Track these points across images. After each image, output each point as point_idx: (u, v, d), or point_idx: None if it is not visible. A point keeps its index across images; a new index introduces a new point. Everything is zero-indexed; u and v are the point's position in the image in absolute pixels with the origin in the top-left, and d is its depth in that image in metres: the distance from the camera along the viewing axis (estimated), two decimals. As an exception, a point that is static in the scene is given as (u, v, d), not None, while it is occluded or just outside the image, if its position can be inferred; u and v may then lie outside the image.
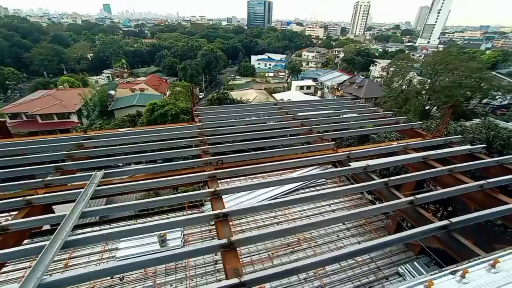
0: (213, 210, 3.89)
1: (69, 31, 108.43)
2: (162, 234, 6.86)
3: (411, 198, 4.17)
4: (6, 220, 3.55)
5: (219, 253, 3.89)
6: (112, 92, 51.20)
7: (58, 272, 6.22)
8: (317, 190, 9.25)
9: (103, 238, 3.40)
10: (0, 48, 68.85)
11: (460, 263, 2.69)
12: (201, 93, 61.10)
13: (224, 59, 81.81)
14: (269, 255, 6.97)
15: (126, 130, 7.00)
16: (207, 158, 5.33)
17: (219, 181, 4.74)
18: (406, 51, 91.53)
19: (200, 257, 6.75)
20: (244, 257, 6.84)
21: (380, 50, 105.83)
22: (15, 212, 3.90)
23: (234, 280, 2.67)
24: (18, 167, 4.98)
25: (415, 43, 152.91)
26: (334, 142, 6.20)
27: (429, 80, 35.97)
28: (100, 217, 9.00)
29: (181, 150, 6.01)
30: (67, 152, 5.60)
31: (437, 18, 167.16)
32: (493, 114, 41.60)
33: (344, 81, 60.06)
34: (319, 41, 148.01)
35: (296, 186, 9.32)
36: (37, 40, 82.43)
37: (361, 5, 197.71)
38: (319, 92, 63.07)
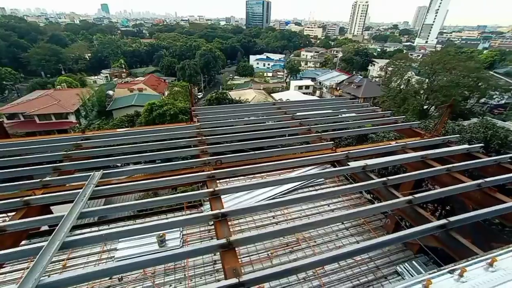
0: (212, 210, 3.88)
1: (66, 31, 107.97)
2: (161, 235, 6.85)
3: (410, 197, 4.18)
4: (3, 221, 3.53)
5: (218, 253, 3.89)
6: (111, 92, 51.05)
7: (56, 273, 6.19)
8: (316, 190, 9.25)
9: (101, 238, 3.39)
10: (-3, 48, 68.49)
11: (458, 262, 2.71)
12: (199, 93, 61.01)
13: (223, 59, 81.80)
14: (268, 255, 6.97)
15: (125, 130, 6.97)
16: (205, 158, 5.32)
17: (218, 181, 4.74)
18: (404, 51, 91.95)
19: (199, 257, 6.74)
20: (243, 257, 6.83)
21: (379, 49, 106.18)
22: (13, 213, 3.88)
23: (233, 280, 2.67)
24: (15, 168, 4.95)
25: (413, 42, 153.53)
26: (332, 142, 6.21)
27: (427, 80, 36.13)
28: (99, 218, 8.97)
29: (180, 150, 6.00)
30: (65, 152, 5.57)
31: (435, 18, 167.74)
32: (491, 113, 41.83)
33: (343, 80, 60.18)
34: (318, 41, 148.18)
35: (295, 186, 9.32)
36: (35, 40, 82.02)
37: (359, 5, 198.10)
38: (317, 92, 63.18)
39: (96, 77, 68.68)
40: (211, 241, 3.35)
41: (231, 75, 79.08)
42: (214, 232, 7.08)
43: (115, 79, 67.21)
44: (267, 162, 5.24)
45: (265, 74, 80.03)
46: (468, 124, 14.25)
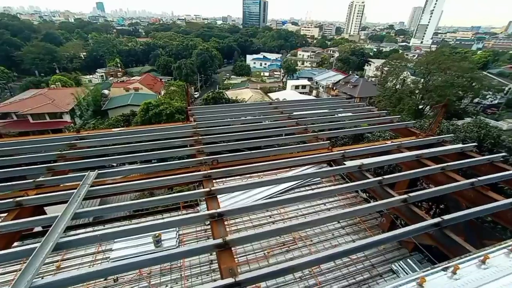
0: (208, 210, 3.87)
1: (61, 29, 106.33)
2: (157, 235, 6.81)
3: (405, 196, 4.22)
4: (-5, 222, 3.47)
5: (215, 253, 3.88)
6: (106, 91, 50.55)
7: (50, 275, 6.12)
8: (312, 189, 9.29)
9: (96, 239, 3.35)
10: (-10, 47, 67.32)
11: (451, 260, 2.74)
12: (196, 93, 60.79)
13: (220, 58, 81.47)
14: (264, 254, 6.98)
15: (120, 130, 6.91)
16: (202, 158, 5.30)
17: (214, 181, 4.72)
18: (400, 51, 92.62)
19: (196, 257, 6.73)
20: (240, 257, 6.84)
21: (375, 49, 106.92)
22: (5, 214, 3.81)
23: (229, 280, 2.67)
24: (8, 168, 4.87)
25: (408, 43, 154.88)
26: (329, 141, 6.24)
27: (422, 80, 36.52)
28: (94, 218, 8.88)
29: (176, 150, 5.97)
30: (59, 152, 5.50)
31: (430, 19, 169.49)
32: (484, 113, 42.50)
33: (339, 80, 60.47)
34: (314, 41, 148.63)
35: (292, 185, 9.35)
36: (28, 39, 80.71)
37: (355, 5, 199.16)
38: (314, 92, 63.38)
39: (91, 76, 67.88)
40: (207, 241, 3.34)
41: (227, 74, 78.90)
42: (210, 232, 7.07)
43: (111, 78, 66.50)
44: (264, 162, 5.24)
45: (262, 74, 79.98)
46: (462, 124, 14.44)
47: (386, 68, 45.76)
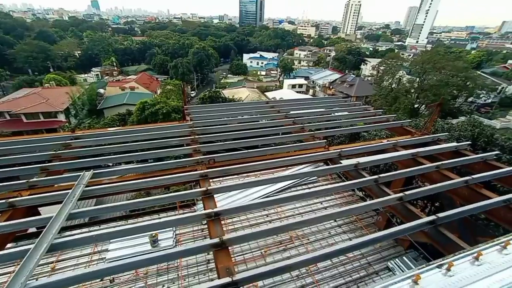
0: (204, 209, 3.86)
1: (55, 27, 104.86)
2: (153, 234, 6.78)
3: (400, 194, 4.26)
4: (-12, 223, 3.41)
5: (211, 252, 3.87)
6: (102, 90, 50.03)
7: (44, 276, 6.06)
8: (309, 188, 9.33)
9: (92, 239, 3.32)
10: (-19, 45, 66.11)
11: (446, 257, 2.77)
12: (192, 92, 60.45)
13: (216, 57, 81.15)
14: (261, 253, 7.00)
15: (116, 129, 6.85)
16: (198, 157, 5.29)
17: (210, 180, 4.71)
18: (396, 50, 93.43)
19: (193, 256, 6.72)
20: (237, 256, 6.84)
21: (371, 49, 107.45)
22: (-2, 215, 3.76)
23: (226, 279, 2.67)
24: (0, 168, 4.80)
25: (404, 42, 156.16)
26: (325, 140, 6.26)
27: (417, 79, 36.85)
28: (90, 218, 8.81)
29: (172, 149, 5.94)
30: (53, 152, 5.44)
31: (425, 18, 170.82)
32: (478, 112, 43.09)
33: (336, 79, 60.67)
34: (311, 40, 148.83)
35: (288, 184, 9.37)
36: (21, 37, 79.42)
37: (352, 5, 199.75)
38: (311, 91, 63.51)
39: (86, 75, 67.06)
40: (204, 241, 3.33)
41: (224, 73, 78.61)
42: (207, 231, 7.07)
43: (106, 77, 65.79)
44: (260, 161, 5.24)
45: (258, 73, 79.80)
46: (457, 123, 14.61)
47: (382, 68, 46.09)
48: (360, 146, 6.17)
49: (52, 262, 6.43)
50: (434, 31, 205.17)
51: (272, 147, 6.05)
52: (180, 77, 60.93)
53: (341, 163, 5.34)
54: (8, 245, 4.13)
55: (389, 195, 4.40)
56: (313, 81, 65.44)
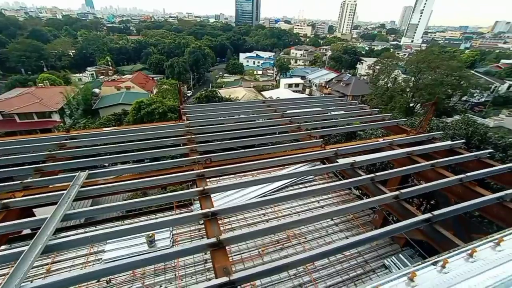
0: (201, 209, 3.86)
1: (48, 26, 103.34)
2: (150, 235, 6.74)
3: (396, 192, 4.30)
4: (-19, 225, 3.36)
5: (209, 252, 3.87)
6: (97, 90, 49.53)
7: (39, 278, 5.98)
8: (306, 187, 9.36)
9: (87, 240, 3.29)
10: (-27, 43, 64.90)
11: (441, 254, 2.81)
12: (189, 91, 60.17)
13: (212, 56, 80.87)
14: (259, 252, 7.00)
15: (112, 129, 6.80)
16: (195, 157, 5.27)
17: (207, 180, 4.70)
18: (391, 50, 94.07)
19: (190, 256, 6.69)
20: (234, 255, 6.84)
21: (366, 48, 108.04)
22: (-9, 217, 3.70)
23: (223, 279, 2.67)
24: (-6, 169, 4.72)
25: (399, 42, 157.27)
26: (322, 139, 6.29)
27: (413, 78, 37.20)
28: (86, 219, 8.71)
29: (169, 149, 5.91)
30: (48, 152, 5.37)
31: (420, 18, 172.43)
32: (472, 111, 43.64)
33: (332, 79, 60.92)
34: (307, 39, 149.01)
35: (285, 183, 9.38)
36: (13, 35, 78.16)
37: (347, 4, 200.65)
38: (307, 90, 63.64)
39: (81, 74, 66.31)
40: (201, 241, 3.33)
41: (220, 73, 78.36)
42: (204, 231, 7.05)
43: (102, 76, 65.10)
44: (257, 160, 5.24)
45: (255, 72, 79.66)
46: (451, 121, 14.76)
47: (377, 67, 46.42)
48: (357, 145, 6.21)
49: (47, 264, 6.35)
50: (429, 30, 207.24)
51: (268, 146, 6.05)
52: (176, 76, 60.58)
53: (337, 162, 5.37)
54: (2, 247, 4.07)
55: (385, 193, 4.44)
56: (309, 81, 65.61)
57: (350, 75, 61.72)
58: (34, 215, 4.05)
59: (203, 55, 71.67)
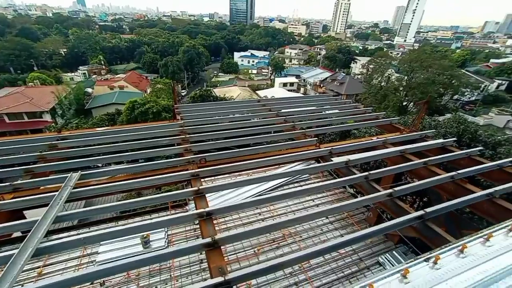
0: (196, 209, 3.84)
1: (38, 24, 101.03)
2: (145, 235, 6.68)
3: (390, 190, 4.35)
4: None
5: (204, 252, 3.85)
6: (89, 89, 48.78)
7: (31, 282, 5.86)
8: (301, 186, 9.40)
9: (80, 242, 3.24)
10: (-41, 42, 63.04)
11: (433, 251, 2.86)
12: (183, 91, 59.77)
13: (207, 55, 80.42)
14: (254, 251, 7.01)
15: (105, 129, 6.71)
16: (189, 157, 5.24)
17: (202, 180, 4.68)
18: (385, 49, 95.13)
19: (185, 257, 6.66)
20: (230, 255, 6.83)
21: (360, 47, 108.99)
22: (-20, 220, 3.61)
23: (219, 279, 2.66)
24: (-18, 171, 4.61)
25: (393, 41, 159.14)
26: (316, 138, 6.32)
27: (406, 77, 37.70)
28: (79, 221, 8.59)
29: (163, 149, 5.86)
30: (39, 153, 5.27)
31: (412, 18, 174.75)
32: (463, 109, 44.45)
33: (326, 78, 61.29)
34: (302, 38, 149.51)
35: (281, 182, 9.41)
36: (2, 33, 76.24)
37: (341, 3, 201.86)
38: (302, 89, 63.91)
39: (73, 74, 65.10)
40: (196, 241, 3.31)
41: (215, 72, 78.03)
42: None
43: (94, 76, 64.06)
44: (252, 160, 5.24)
45: (249, 71, 79.57)
46: (443, 120, 15.03)
47: (371, 66, 46.84)
48: (351, 144, 6.26)
49: (38, 267, 6.23)
50: (421, 30, 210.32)
51: (263, 145, 6.05)
52: (170, 75, 60.10)
53: (332, 160, 5.41)
54: (-9, 251, 3.97)
55: (379, 191, 4.49)
56: (304, 80, 65.87)
57: (344, 74, 62.15)
58: (25, 218, 3.97)
59: (197, 54, 71.22)
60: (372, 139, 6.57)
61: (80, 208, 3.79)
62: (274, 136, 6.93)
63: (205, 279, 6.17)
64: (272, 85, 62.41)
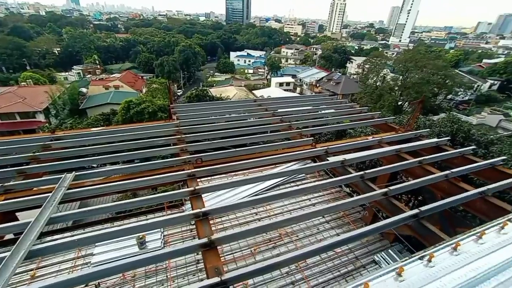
0: (192, 209, 3.82)
1: (31, 22, 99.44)
2: (141, 236, 6.63)
3: (385, 189, 4.39)
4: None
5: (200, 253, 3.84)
6: (84, 89, 48.17)
7: (24, 285, 5.76)
8: (297, 185, 9.43)
9: (74, 244, 3.21)
10: (-51, 41, 61.68)
11: (427, 249, 2.90)
12: (179, 90, 59.41)
13: (203, 55, 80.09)
14: (251, 251, 7.01)
15: (100, 130, 6.63)
16: (185, 157, 5.21)
17: (198, 180, 4.66)
18: (380, 49, 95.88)
19: (182, 257, 6.63)
20: (227, 255, 6.82)
21: (356, 47, 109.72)
22: (-29, 222, 3.54)
23: (215, 279, 2.65)
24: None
25: (388, 41, 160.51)
26: (312, 138, 6.35)
27: (401, 77, 38.07)
28: (74, 222, 8.48)
29: (159, 149, 5.82)
30: (32, 154, 5.19)
31: (407, 18, 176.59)
32: (456, 109, 45.04)
33: (322, 77, 61.49)
34: (298, 38, 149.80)
35: (277, 182, 9.43)
36: (-7, 32, 74.91)
37: (337, 3, 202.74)
38: (298, 89, 64.03)
39: (67, 73, 64.25)
40: (192, 241, 3.30)
41: (211, 71, 77.74)
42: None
43: (89, 75, 63.25)
44: (248, 159, 5.23)
45: (246, 71, 79.43)
46: (437, 119, 15.20)
47: (367, 66, 47.17)
48: (346, 143, 6.30)
49: (31, 270, 6.13)
50: (416, 30, 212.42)
51: (260, 145, 6.05)
52: (166, 75, 59.71)
53: (328, 160, 5.43)
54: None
55: (374, 190, 4.53)
56: (300, 79, 66.01)
57: (340, 74, 62.46)
58: (17, 219, 3.91)
59: (193, 53, 70.86)
60: (367, 139, 6.62)
61: (75, 209, 3.74)
62: (270, 135, 6.93)
63: (202, 280, 6.16)
64: (268, 85, 62.40)
